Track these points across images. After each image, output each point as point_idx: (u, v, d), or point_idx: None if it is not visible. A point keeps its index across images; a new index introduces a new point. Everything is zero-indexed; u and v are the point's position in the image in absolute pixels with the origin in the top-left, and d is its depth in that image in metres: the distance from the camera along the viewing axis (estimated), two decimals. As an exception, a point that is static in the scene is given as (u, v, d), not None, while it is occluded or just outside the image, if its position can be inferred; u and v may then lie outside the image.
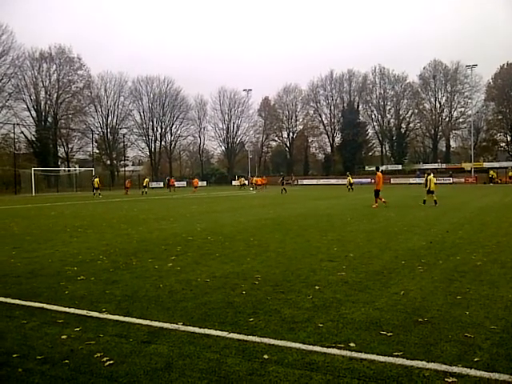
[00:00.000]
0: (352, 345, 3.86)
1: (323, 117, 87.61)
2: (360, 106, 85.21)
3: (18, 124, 59.50)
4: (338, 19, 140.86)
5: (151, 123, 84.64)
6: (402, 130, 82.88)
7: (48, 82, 67.60)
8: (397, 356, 3.62)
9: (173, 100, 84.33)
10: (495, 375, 3.28)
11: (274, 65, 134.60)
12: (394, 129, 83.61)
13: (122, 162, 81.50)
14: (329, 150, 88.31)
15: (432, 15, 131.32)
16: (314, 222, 14.07)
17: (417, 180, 61.81)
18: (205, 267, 7.26)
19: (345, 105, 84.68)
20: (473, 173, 66.59)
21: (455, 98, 79.94)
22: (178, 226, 13.43)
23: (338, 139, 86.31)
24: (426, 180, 20.95)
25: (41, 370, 3.52)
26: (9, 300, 5.50)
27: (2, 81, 60.40)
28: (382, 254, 8.25)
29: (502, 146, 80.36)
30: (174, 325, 4.46)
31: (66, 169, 66.55)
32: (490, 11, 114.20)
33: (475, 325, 4.33)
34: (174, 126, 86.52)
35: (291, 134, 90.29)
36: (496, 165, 69.30)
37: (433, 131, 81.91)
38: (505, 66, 77.17)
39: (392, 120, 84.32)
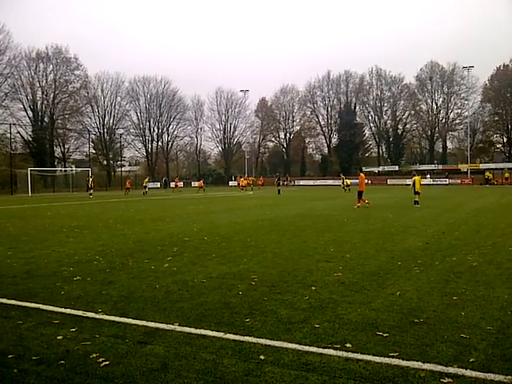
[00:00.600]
0: (348, 345, 3.86)
1: (320, 118, 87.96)
2: (357, 107, 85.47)
3: (14, 124, 59.30)
4: (335, 20, 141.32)
5: (148, 123, 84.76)
6: (399, 131, 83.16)
7: (45, 82, 67.50)
8: (393, 357, 3.63)
9: (170, 100, 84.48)
10: (491, 376, 3.29)
11: (271, 66, 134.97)
12: (390, 130, 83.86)
13: (119, 163, 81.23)
14: (326, 150, 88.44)
15: (429, 17, 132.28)
16: (311, 222, 14.08)
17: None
18: (201, 268, 7.25)
19: (342, 106, 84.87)
20: (469, 174, 66.91)
21: (452, 99, 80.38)
22: (175, 227, 13.41)
23: (334, 140, 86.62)
24: (413, 181, 21.08)
25: (36, 370, 3.51)
26: (5, 300, 5.47)
27: (-1, 81, 60.28)
28: (378, 254, 8.28)
29: (498, 148, 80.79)
30: (171, 325, 4.46)
31: (63, 169, 66.25)
32: (487, 13, 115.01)
33: (471, 325, 4.35)
34: (170, 127, 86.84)
35: (288, 134, 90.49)
36: (492, 166, 69.64)
37: (429, 132, 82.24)
38: (501, 68, 77.64)
39: (389, 121, 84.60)
